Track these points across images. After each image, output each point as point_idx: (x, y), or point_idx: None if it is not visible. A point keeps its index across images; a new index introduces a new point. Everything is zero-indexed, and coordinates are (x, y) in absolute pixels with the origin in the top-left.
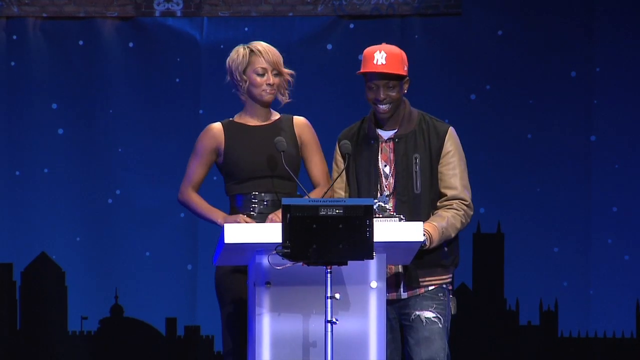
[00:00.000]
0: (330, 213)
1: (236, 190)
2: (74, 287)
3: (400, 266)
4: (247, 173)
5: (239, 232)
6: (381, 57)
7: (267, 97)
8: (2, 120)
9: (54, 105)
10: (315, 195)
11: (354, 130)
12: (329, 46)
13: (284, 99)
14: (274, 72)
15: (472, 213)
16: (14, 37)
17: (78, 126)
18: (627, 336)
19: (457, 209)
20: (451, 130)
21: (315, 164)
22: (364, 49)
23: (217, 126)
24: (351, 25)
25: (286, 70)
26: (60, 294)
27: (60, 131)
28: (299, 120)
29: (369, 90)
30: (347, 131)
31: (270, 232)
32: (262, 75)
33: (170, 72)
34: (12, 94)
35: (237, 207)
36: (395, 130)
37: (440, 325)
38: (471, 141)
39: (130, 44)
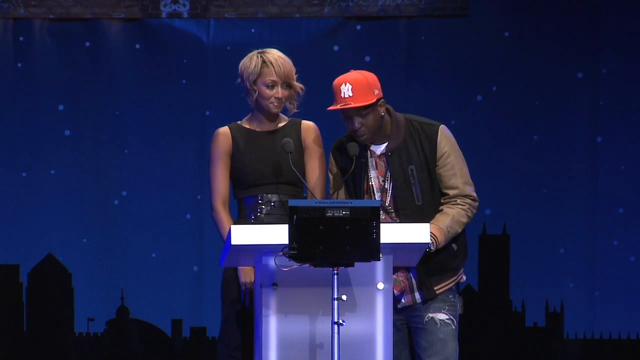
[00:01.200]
0: (337, 214)
1: (244, 194)
2: (80, 288)
3: (412, 277)
4: (254, 179)
5: (246, 233)
6: (347, 89)
7: (274, 110)
8: (9, 121)
9: (61, 107)
10: None
11: (345, 144)
12: (336, 47)
13: (292, 108)
14: (284, 85)
15: (477, 204)
16: (21, 38)
17: (85, 127)
18: (633, 337)
19: (462, 204)
20: (442, 130)
21: (313, 169)
22: (371, 50)
23: (225, 130)
24: (358, 27)
25: (297, 84)
26: (66, 295)
27: (67, 132)
28: (306, 124)
29: (345, 121)
30: (338, 143)
31: (277, 233)
32: (272, 88)
33: (177, 74)
34: (19, 95)
35: (245, 209)
36: (386, 144)
37: (453, 327)
38: (477, 142)
39: (137, 46)
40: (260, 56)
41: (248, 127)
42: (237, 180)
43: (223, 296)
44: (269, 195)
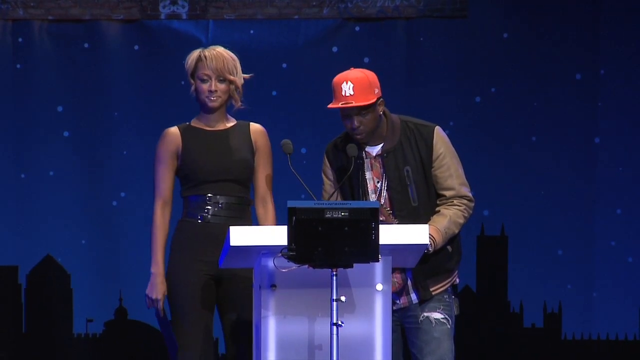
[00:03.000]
0: (336, 216)
1: (190, 192)
2: (79, 289)
3: (408, 278)
4: (201, 176)
5: (245, 234)
6: (348, 88)
7: (211, 104)
8: (8, 122)
9: (60, 108)
10: (270, 219)
11: (340, 146)
12: (335, 49)
13: (237, 104)
14: (219, 78)
15: (473, 205)
16: (20, 39)
17: (83, 129)
18: (630, 338)
19: (458, 205)
20: (437, 131)
21: (263, 172)
22: (370, 51)
23: (173, 130)
24: (357, 28)
25: (233, 77)
26: (65, 296)
27: (66, 134)
28: (255, 127)
29: (344, 119)
30: (332, 145)
31: (276, 234)
32: (205, 81)
33: (176, 75)
34: (17, 96)
35: (191, 208)
36: (382, 145)
37: (449, 326)
38: (476, 143)
39: (136, 47)
40: (200, 52)
41: (196, 126)
42: (184, 178)
43: (174, 306)
44: (217, 197)
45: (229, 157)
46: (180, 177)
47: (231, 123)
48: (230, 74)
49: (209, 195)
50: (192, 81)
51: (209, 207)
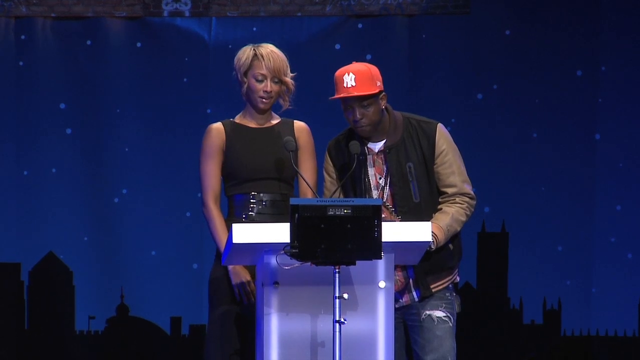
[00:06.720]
0: (339, 213)
1: (235, 191)
2: (81, 286)
3: (410, 276)
4: (246, 174)
5: (248, 232)
6: (350, 79)
7: (262, 105)
8: (11, 120)
9: (62, 105)
10: None
11: (342, 143)
12: (337, 46)
13: (285, 104)
14: (274, 79)
15: (475, 203)
16: (23, 37)
17: (86, 126)
18: (630, 335)
19: (460, 203)
20: (439, 128)
21: (306, 169)
22: (372, 48)
23: (217, 126)
24: (359, 25)
25: (289, 80)
26: (67, 293)
27: (68, 131)
28: (299, 124)
29: (346, 112)
30: (334, 142)
31: (279, 232)
32: (261, 81)
33: (178, 72)
34: (20, 93)
35: (236, 207)
36: (384, 141)
37: (451, 324)
38: (477, 140)
39: (138, 44)
40: (254, 49)
41: (241, 123)
42: (228, 176)
43: (213, 298)
44: (261, 195)
45: (273, 154)
46: (224, 175)
47: (276, 120)
48: (285, 75)
49: (253, 193)
50: (244, 79)
51: (254, 205)
